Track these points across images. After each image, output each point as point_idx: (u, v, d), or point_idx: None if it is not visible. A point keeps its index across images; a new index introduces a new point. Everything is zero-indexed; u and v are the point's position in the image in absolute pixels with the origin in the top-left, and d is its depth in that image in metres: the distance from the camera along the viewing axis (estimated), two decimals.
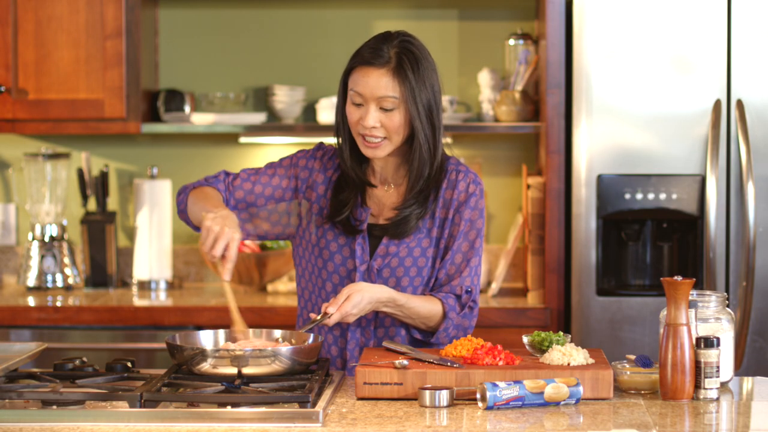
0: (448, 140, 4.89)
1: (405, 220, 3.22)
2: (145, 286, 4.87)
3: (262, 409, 2.68)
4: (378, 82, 3.14)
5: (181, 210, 3.31)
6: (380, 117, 3.15)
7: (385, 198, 3.28)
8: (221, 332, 3.11)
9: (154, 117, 4.93)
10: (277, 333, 3.11)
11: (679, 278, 2.87)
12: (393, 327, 3.25)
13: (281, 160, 3.36)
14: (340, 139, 3.26)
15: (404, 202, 3.23)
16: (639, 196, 4.32)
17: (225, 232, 2.99)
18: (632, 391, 2.94)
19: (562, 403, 2.79)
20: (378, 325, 3.25)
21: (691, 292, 2.93)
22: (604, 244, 4.36)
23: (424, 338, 3.25)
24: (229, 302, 3.07)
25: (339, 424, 2.65)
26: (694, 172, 4.31)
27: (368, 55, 3.15)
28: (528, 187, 4.55)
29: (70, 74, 4.65)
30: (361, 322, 3.24)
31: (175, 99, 4.91)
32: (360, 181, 3.26)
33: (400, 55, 3.15)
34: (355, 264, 3.23)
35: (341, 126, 3.25)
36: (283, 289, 4.77)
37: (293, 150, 4.91)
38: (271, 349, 2.87)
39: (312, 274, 3.31)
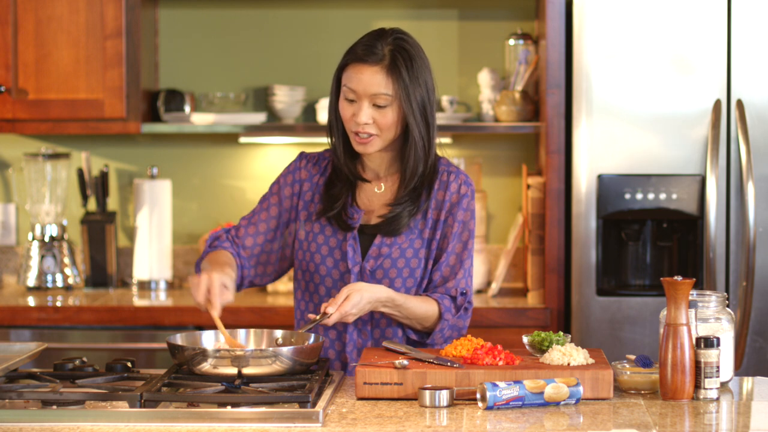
0: (447, 140, 4.93)
1: (397, 217, 3.22)
2: (145, 286, 4.86)
3: (262, 409, 2.68)
4: (371, 80, 3.13)
5: None
6: (373, 114, 3.15)
7: (376, 198, 3.28)
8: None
9: (154, 117, 4.93)
10: (278, 333, 3.11)
11: (679, 278, 2.87)
12: (389, 327, 3.24)
13: (271, 187, 3.35)
14: (333, 136, 3.26)
15: (397, 199, 3.23)
16: (639, 196, 4.32)
17: (202, 279, 3.03)
18: (632, 391, 2.94)
19: (562, 403, 2.79)
20: (374, 325, 3.25)
21: (691, 292, 2.93)
22: (604, 244, 4.36)
23: (419, 339, 3.25)
24: (221, 330, 3.06)
25: (339, 424, 2.65)
26: (694, 172, 4.31)
27: (362, 52, 3.15)
28: (528, 187, 4.55)
29: (70, 74, 4.64)
30: (357, 323, 3.24)
31: (175, 99, 4.91)
32: (353, 177, 3.26)
33: (394, 52, 3.14)
34: (348, 266, 3.23)
35: (334, 121, 3.25)
36: (283, 289, 4.77)
37: (293, 150, 4.97)
38: (272, 350, 2.87)
39: (303, 280, 3.30)
